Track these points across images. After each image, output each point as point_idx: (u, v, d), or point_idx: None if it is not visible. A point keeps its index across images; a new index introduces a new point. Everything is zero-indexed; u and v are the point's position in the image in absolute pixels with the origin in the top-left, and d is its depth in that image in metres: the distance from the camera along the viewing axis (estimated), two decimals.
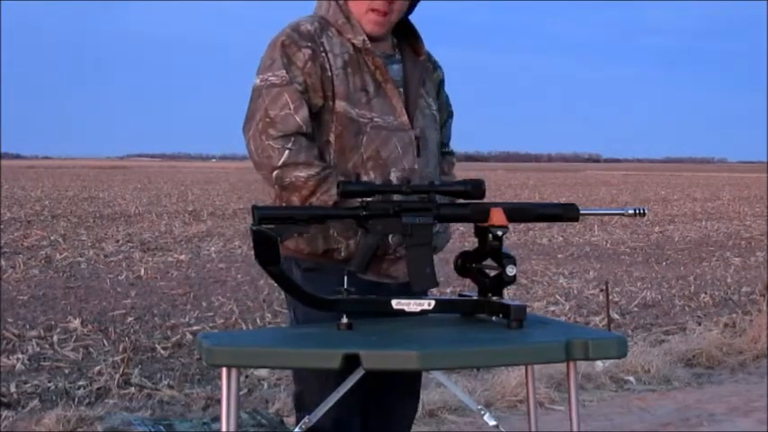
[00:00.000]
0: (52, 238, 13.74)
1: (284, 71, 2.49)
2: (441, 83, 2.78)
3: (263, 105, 2.49)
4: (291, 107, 2.47)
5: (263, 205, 2.39)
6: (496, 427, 2.23)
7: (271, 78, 2.50)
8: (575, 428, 2.28)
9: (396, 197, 2.37)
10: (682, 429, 4.59)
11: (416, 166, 2.57)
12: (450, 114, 2.82)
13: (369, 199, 2.36)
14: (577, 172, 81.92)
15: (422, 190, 2.39)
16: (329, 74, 2.51)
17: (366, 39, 2.56)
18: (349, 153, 2.51)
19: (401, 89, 2.60)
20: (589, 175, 68.06)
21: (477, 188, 2.37)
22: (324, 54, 2.52)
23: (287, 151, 2.45)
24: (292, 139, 2.46)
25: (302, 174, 2.44)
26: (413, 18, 2.70)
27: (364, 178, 2.49)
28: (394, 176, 2.52)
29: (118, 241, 13.47)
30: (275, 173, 2.46)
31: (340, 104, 2.51)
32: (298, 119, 2.47)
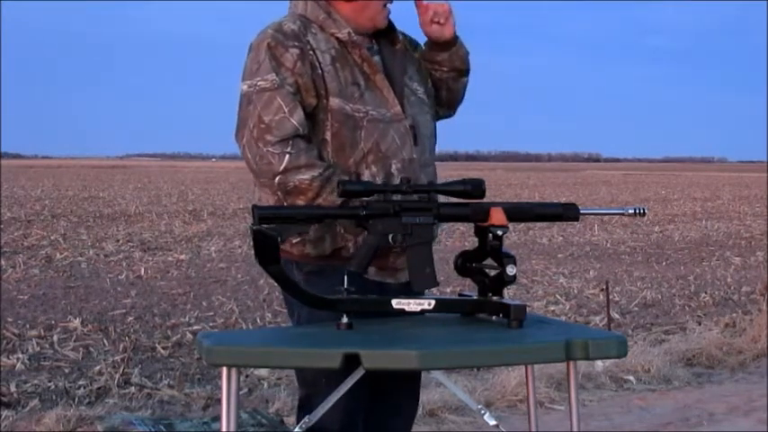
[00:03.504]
0: (52, 237, 13.75)
1: (273, 74, 2.45)
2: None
3: (256, 111, 2.44)
4: (285, 110, 2.43)
5: (263, 205, 2.38)
6: (496, 426, 2.23)
7: (260, 83, 2.46)
8: (575, 428, 2.28)
9: (396, 196, 2.36)
10: (682, 429, 4.59)
11: (415, 156, 2.55)
12: None
13: (369, 198, 2.35)
14: (577, 172, 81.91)
15: (422, 189, 2.38)
16: (319, 71, 2.48)
17: (351, 32, 2.53)
18: (349, 149, 2.49)
19: (386, 80, 2.56)
20: (589, 175, 68.03)
21: (477, 188, 2.36)
22: (312, 52, 2.49)
23: (287, 155, 2.41)
24: (290, 142, 2.42)
25: (305, 176, 2.41)
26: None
27: (366, 173, 2.48)
28: (395, 168, 2.50)
29: (118, 241, 13.47)
30: (278, 178, 2.42)
31: (334, 101, 2.48)
32: (294, 121, 2.44)
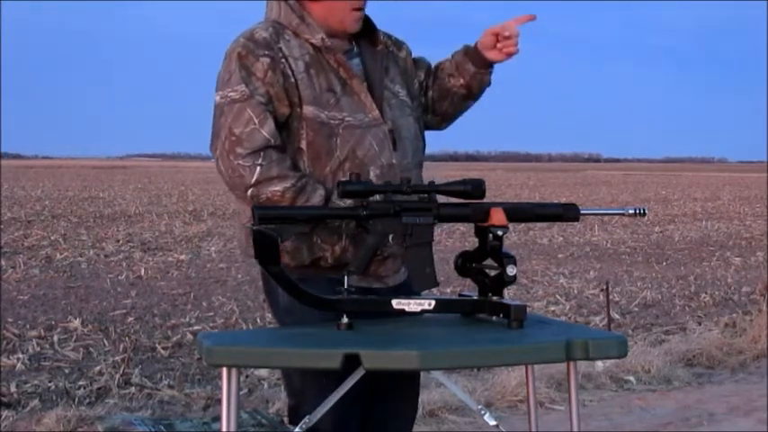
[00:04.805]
0: (52, 237, 13.75)
1: (243, 85, 2.41)
2: (409, 56, 2.70)
3: (227, 123, 2.41)
4: (256, 122, 2.39)
5: (263, 205, 2.38)
6: (496, 427, 2.23)
7: (230, 94, 2.42)
8: (575, 428, 2.28)
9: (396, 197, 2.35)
10: (682, 429, 4.59)
11: (394, 161, 2.50)
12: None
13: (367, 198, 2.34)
14: (577, 172, 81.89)
15: (422, 190, 2.36)
16: (292, 80, 2.43)
17: (324, 37, 2.48)
18: (325, 158, 2.44)
19: (364, 83, 2.52)
20: (589, 175, 68.02)
21: (477, 188, 2.35)
22: (284, 60, 2.44)
23: (258, 167, 2.37)
24: (261, 154, 2.38)
25: (278, 188, 2.37)
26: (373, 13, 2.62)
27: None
28: (373, 175, 2.45)
29: (118, 241, 13.47)
30: (250, 191, 2.38)
31: (308, 109, 2.43)
32: (264, 133, 2.39)
